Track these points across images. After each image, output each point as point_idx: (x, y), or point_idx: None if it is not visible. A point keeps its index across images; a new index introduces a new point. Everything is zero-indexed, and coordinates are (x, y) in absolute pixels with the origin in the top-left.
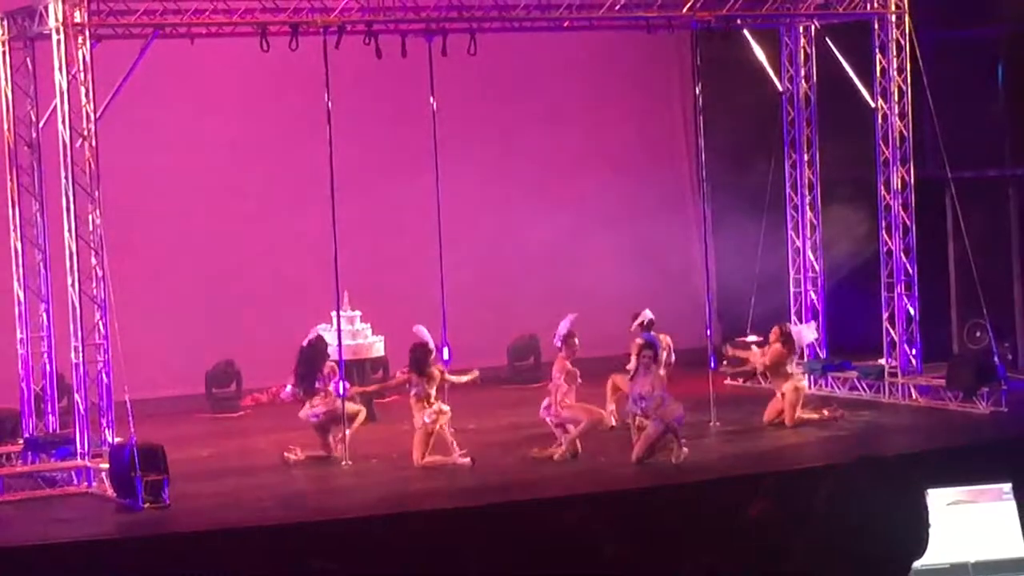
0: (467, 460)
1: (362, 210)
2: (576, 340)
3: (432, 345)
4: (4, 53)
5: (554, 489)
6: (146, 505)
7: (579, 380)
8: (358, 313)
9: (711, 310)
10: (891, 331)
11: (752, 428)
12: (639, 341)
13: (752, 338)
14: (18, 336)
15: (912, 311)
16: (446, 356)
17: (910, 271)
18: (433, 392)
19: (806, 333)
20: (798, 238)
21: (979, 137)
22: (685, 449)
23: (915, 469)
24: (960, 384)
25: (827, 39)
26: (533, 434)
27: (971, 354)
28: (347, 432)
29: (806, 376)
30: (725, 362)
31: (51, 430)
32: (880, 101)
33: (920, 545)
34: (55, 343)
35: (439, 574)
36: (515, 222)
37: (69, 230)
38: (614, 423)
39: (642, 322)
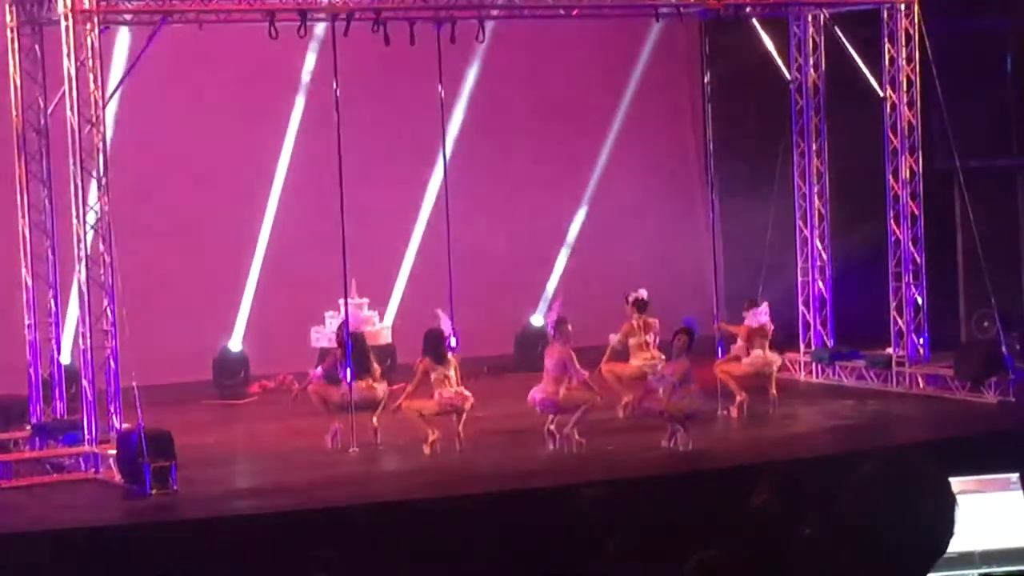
0: (427, 450)
1: (370, 198)
2: (569, 326)
3: (448, 331)
4: (12, 39)
5: (564, 477)
6: (154, 491)
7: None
8: (366, 300)
9: (719, 299)
10: (899, 320)
11: (760, 417)
12: (648, 320)
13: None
14: (26, 322)
15: (920, 300)
16: (453, 344)
17: (918, 260)
18: (453, 375)
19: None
20: (806, 227)
21: (988, 127)
22: (690, 442)
23: (943, 468)
24: (968, 373)
25: (836, 28)
26: (542, 421)
27: (979, 343)
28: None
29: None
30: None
31: (59, 416)
32: (889, 90)
33: (945, 543)
34: (62, 329)
35: (447, 562)
36: (522, 211)
37: (77, 216)
38: (621, 415)
39: (635, 300)
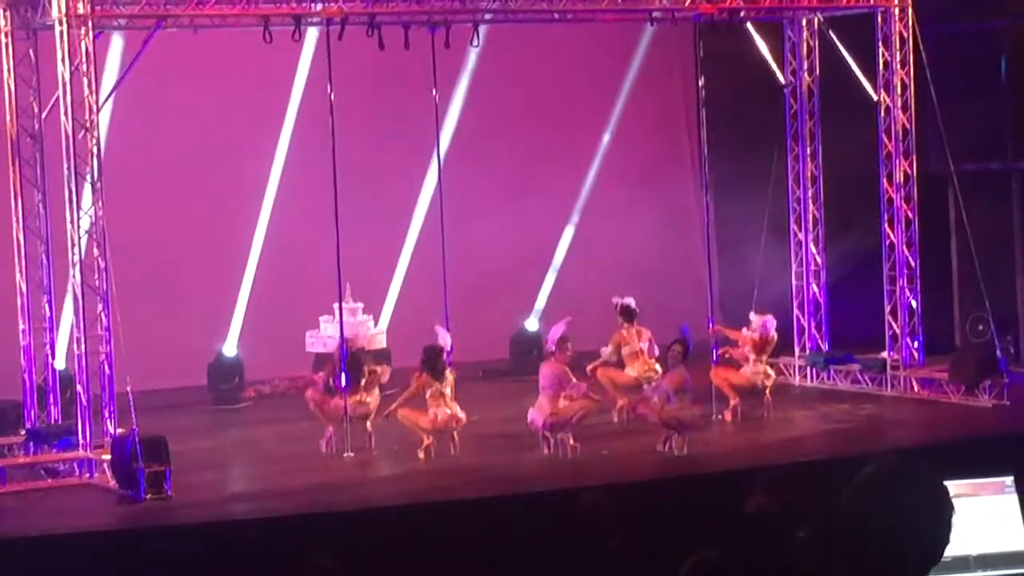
0: (421, 454)
1: (365, 202)
2: (569, 344)
3: (447, 347)
4: (7, 44)
5: (559, 481)
6: (148, 496)
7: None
8: (360, 305)
9: (713, 303)
10: (893, 324)
11: (754, 421)
12: (640, 329)
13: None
14: (20, 327)
15: (914, 304)
16: (448, 348)
17: (912, 264)
18: (448, 392)
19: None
20: (800, 231)
21: (982, 130)
22: (685, 446)
23: (942, 472)
24: (962, 377)
25: (830, 32)
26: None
27: (973, 347)
28: (347, 425)
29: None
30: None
31: (53, 421)
32: (883, 94)
33: (941, 550)
34: (57, 334)
35: (443, 566)
36: (517, 214)
37: (71, 221)
38: (616, 419)
39: (622, 308)
